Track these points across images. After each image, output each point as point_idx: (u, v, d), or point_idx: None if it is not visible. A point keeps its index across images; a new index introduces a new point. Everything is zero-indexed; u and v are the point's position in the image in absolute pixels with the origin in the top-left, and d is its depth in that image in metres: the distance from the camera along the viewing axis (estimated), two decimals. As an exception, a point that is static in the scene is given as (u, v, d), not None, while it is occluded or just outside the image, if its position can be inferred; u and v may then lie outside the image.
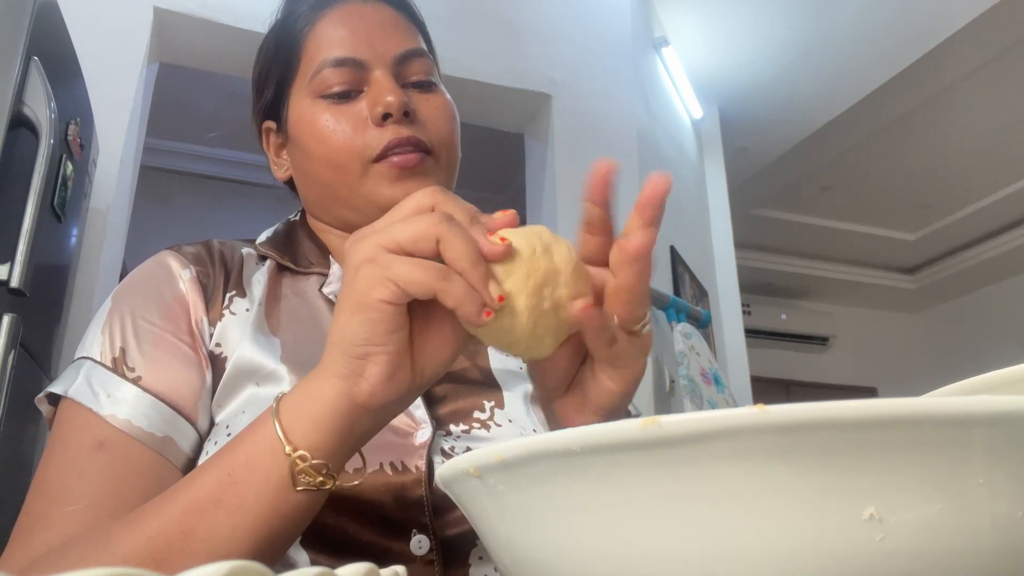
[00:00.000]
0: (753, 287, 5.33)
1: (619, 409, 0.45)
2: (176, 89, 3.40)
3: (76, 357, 0.57)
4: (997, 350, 5.26)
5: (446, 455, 0.56)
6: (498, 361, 0.66)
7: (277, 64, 0.66)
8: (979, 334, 5.53)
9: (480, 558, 0.54)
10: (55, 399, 0.55)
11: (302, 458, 0.40)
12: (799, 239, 5.20)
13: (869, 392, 5.65)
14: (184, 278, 0.60)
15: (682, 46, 3.36)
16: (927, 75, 3.39)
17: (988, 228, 5.02)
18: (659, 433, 0.21)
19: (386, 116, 0.59)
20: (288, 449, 0.40)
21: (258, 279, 0.64)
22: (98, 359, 0.55)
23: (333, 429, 0.40)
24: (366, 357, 0.39)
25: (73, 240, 1.69)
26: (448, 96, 0.66)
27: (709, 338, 3.04)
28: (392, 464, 0.54)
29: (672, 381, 2.52)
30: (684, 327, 2.55)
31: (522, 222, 0.42)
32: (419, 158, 0.59)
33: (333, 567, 0.54)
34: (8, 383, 1.25)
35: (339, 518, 0.52)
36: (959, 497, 0.20)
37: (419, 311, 0.41)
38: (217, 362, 0.58)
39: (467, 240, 0.38)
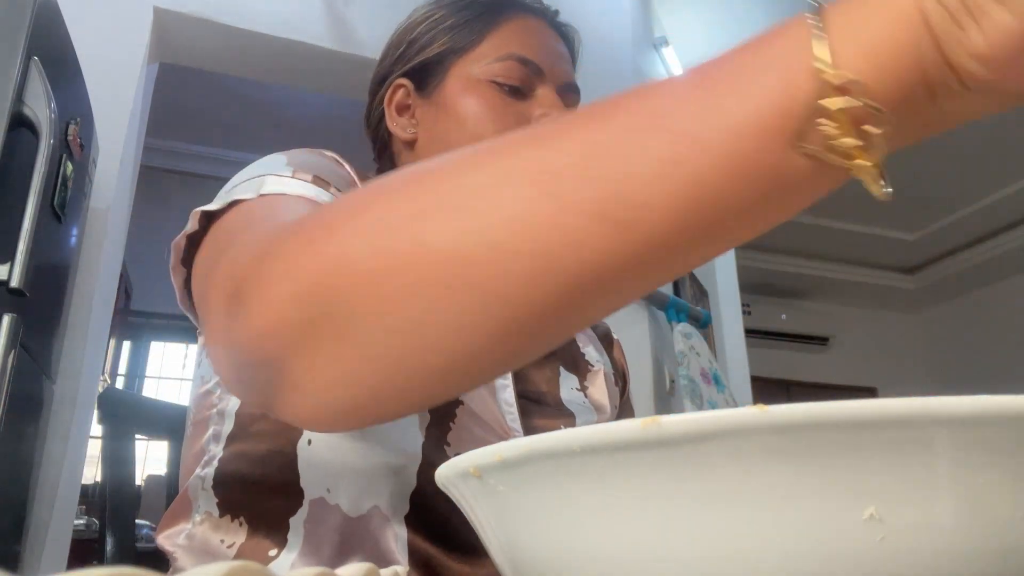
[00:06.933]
0: (753, 287, 5.33)
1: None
2: (176, 89, 3.40)
3: (228, 201, 0.48)
4: (997, 350, 5.26)
5: None
6: (566, 392, 0.68)
7: (451, 35, 0.67)
8: (979, 334, 5.53)
9: None
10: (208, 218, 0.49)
11: (843, 88, 0.25)
12: (799, 239, 5.20)
13: (869, 392, 5.65)
14: (349, 170, 0.63)
15: (682, 46, 3.36)
16: (927, 75, 3.39)
17: (988, 228, 5.02)
18: (659, 433, 0.21)
19: None
20: (827, 69, 0.25)
21: None
22: (289, 175, 0.51)
23: (900, 57, 0.25)
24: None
25: (73, 240, 1.69)
26: None
27: (709, 338, 3.04)
28: None
29: (672, 381, 2.52)
30: (684, 327, 2.55)
31: None
32: None
33: (426, 551, 0.54)
34: (8, 383, 1.25)
35: (449, 503, 0.53)
36: (959, 497, 0.20)
37: None
38: None
39: None
